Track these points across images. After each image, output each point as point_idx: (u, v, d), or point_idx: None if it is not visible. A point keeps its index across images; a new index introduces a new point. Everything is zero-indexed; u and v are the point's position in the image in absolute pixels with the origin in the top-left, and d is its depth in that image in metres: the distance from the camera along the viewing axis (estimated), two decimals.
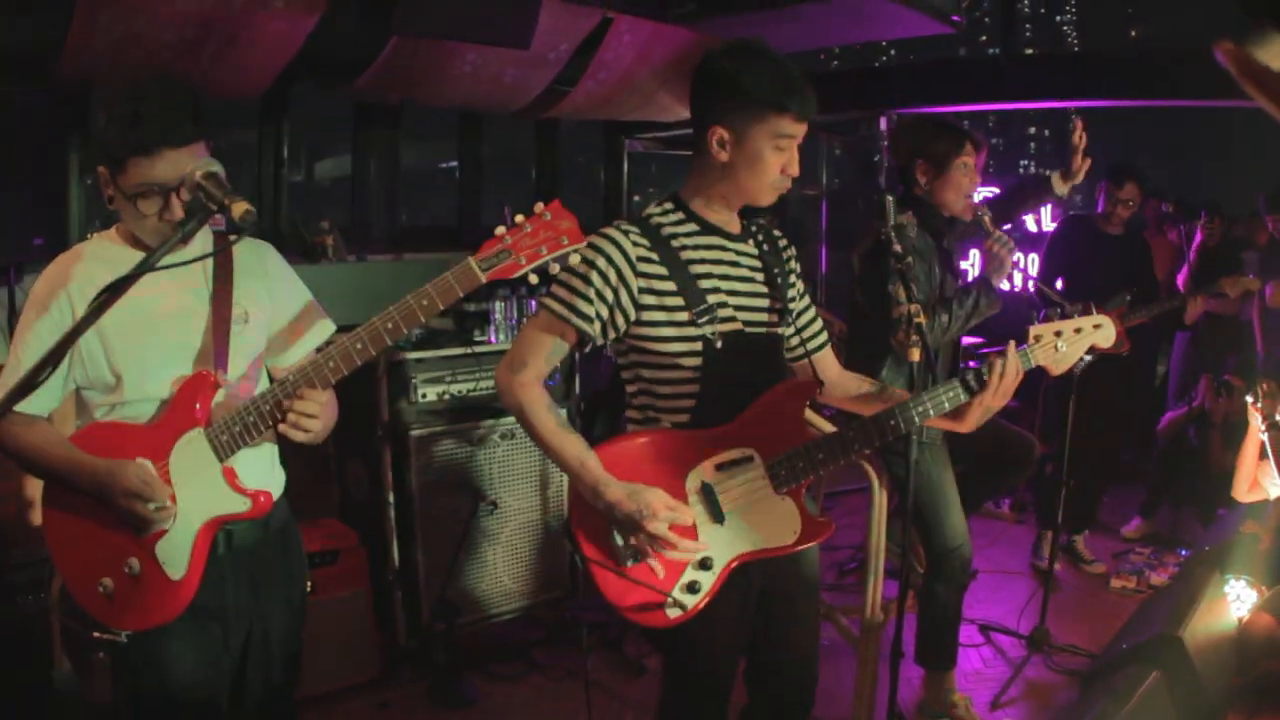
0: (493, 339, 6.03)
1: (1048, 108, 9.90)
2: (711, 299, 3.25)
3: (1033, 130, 72.54)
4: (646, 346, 3.27)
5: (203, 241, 3.26)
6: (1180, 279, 8.65)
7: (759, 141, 3.21)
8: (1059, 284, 7.18)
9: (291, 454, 3.25)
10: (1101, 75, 7.95)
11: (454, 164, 9.17)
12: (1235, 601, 5.40)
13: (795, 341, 3.57)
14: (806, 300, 3.67)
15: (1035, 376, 3.62)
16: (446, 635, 5.51)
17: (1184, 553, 7.50)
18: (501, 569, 5.94)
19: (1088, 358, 3.78)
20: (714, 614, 3.25)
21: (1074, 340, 3.57)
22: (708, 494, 3.23)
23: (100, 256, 3.15)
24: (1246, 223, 9.47)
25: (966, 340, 6.72)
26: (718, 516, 3.23)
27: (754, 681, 3.67)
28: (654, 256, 3.22)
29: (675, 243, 3.28)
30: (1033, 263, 9.75)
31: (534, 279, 2.95)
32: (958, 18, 6.62)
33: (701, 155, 3.32)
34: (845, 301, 5.32)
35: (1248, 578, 5.52)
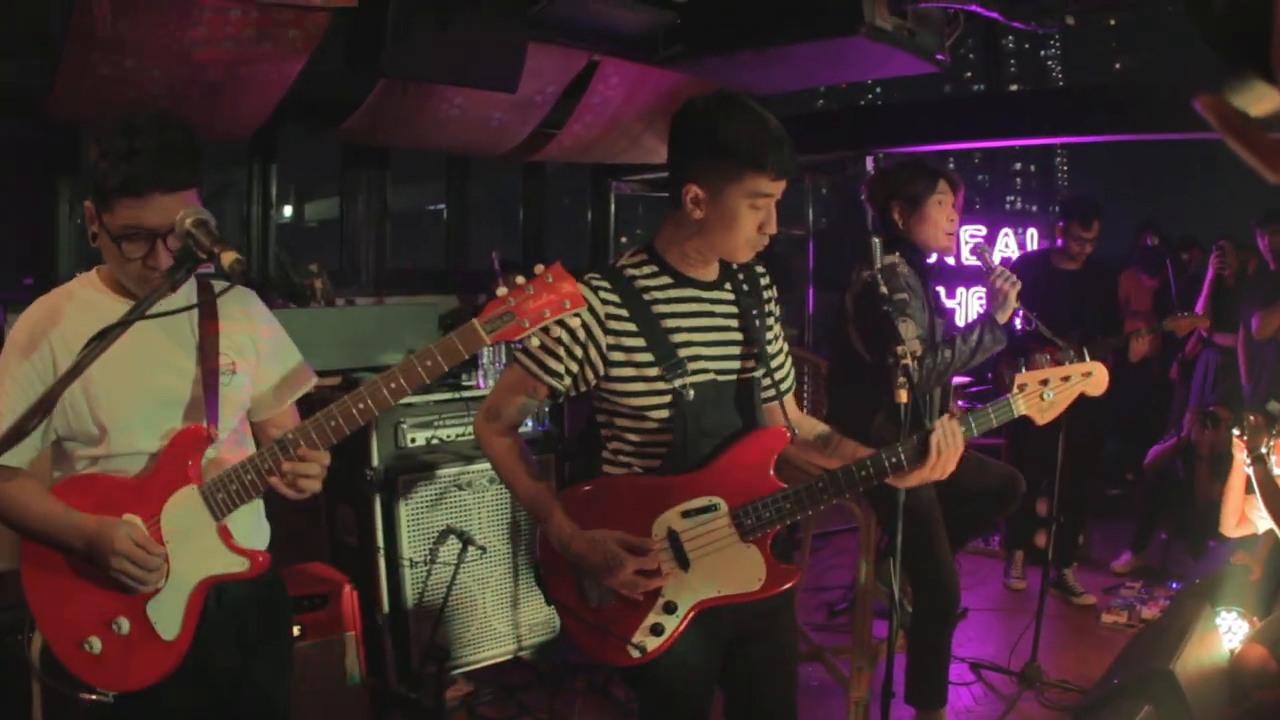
0: (481, 384, 6.03)
1: (1034, 144, 9.96)
2: (683, 352, 3.23)
3: (1018, 166, 72.75)
4: (617, 400, 3.27)
5: (188, 288, 3.13)
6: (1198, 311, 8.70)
7: (734, 200, 3.14)
8: (1016, 322, 7.22)
9: (281, 498, 3.20)
10: (1087, 110, 7.99)
11: (442, 206, 9.20)
12: (1227, 633, 5.40)
13: (767, 383, 3.50)
14: (780, 341, 3.61)
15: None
16: (436, 679, 5.49)
17: (1175, 586, 7.50)
18: (491, 612, 5.93)
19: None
20: (682, 656, 3.28)
21: (1062, 389, 3.56)
22: (674, 540, 3.23)
23: (82, 301, 3.07)
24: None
25: (956, 380, 6.74)
26: (683, 563, 3.24)
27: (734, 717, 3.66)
28: (623, 313, 3.21)
29: (647, 296, 3.26)
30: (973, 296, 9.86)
31: (535, 341, 3.00)
32: (942, 56, 6.65)
33: (676, 208, 3.26)
34: (832, 338, 5.33)
35: (1239, 609, 5.52)
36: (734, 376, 3.35)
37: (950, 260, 9.90)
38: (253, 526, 3.35)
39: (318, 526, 6.15)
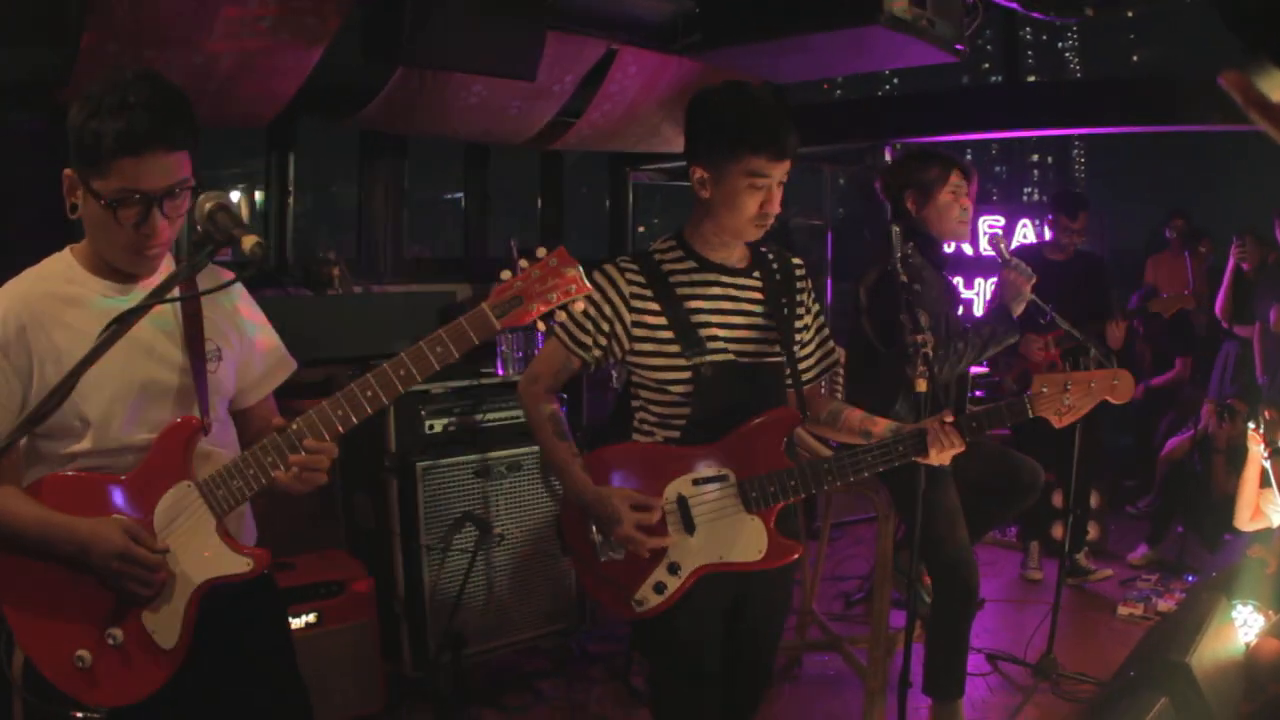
0: (499, 370, 6.05)
1: (1051, 135, 9.93)
2: (703, 332, 3.52)
3: (1036, 158, 72.57)
4: (642, 372, 3.58)
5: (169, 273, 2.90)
6: (1218, 305, 8.70)
7: (734, 180, 3.41)
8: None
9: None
10: (1104, 102, 7.97)
11: (460, 195, 9.19)
12: (1243, 627, 5.39)
13: (790, 371, 3.71)
14: (812, 333, 3.86)
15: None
16: (452, 666, 5.50)
17: (1190, 579, 7.50)
18: (508, 600, 5.94)
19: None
20: (688, 617, 3.54)
21: (1083, 394, 3.67)
22: (682, 505, 3.49)
23: (57, 282, 2.89)
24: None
25: (974, 370, 6.73)
26: (689, 527, 3.49)
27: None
28: (648, 293, 3.53)
29: (672, 279, 3.56)
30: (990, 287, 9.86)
31: (541, 325, 2.99)
32: (961, 46, 6.62)
33: (694, 194, 3.57)
34: (847, 331, 5.32)
35: (1255, 603, 5.51)
36: (753, 359, 3.60)
37: (969, 250, 9.93)
38: (243, 523, 3.19)
39: (334, 513, 6.17)
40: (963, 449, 3.59)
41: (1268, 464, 5.91)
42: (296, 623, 5.10)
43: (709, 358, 3.50)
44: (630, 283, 3.52)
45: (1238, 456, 6.86)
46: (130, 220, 2.74)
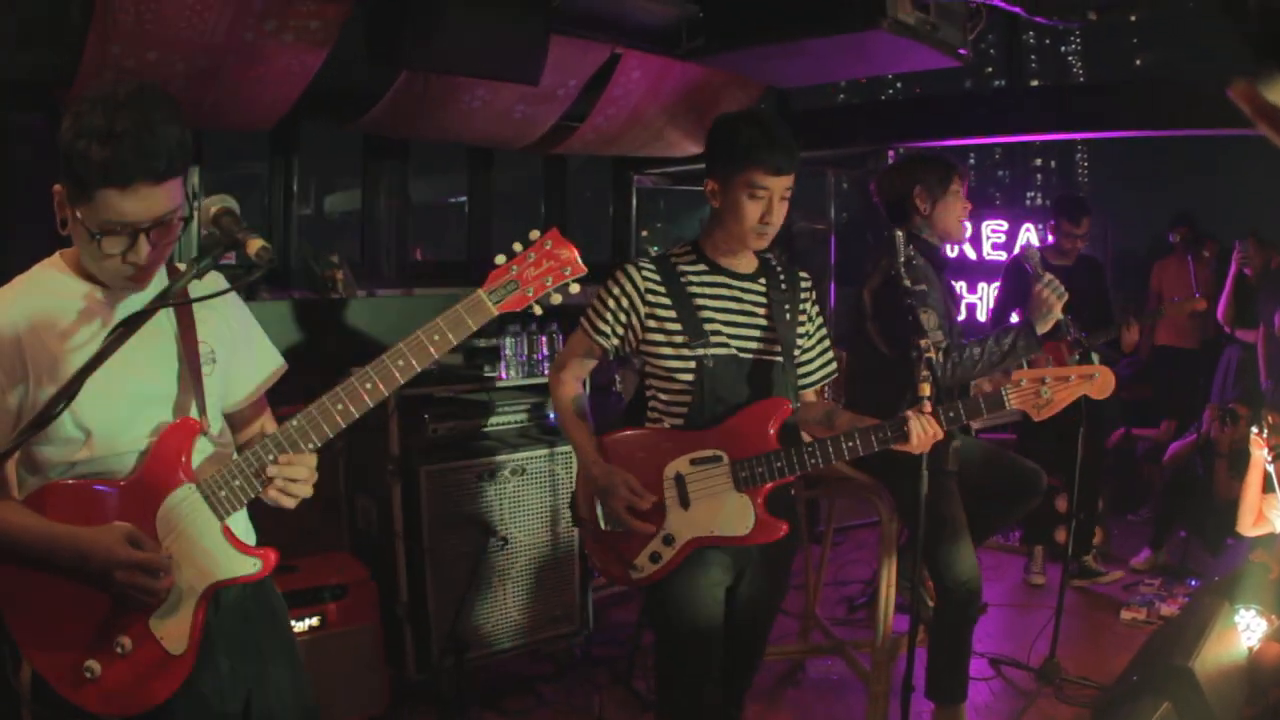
0: (503, 375, 6.05)
1: (1054, 140, 9.92)
2: (707, 326, 3.91)
3: (1039, 162, 72.54)
4: (652, 361, 3.98)
5: (160, 278, 2.90)
6: (1220, 310, 8.71)
7: (737, 191, 3.82)
8: (1013, 317, 7.29)
9: None
10: (1107, 106, 7.96)
11: (463, 199, 9.19)
12: (1245, 631, 5.39)
13: (788, 370, 4.08)
14: (814, 340, 4.23)
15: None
16: (455, 670, 5.51)
17: (1193, 583, 7.50)
18: (511, 604, 5.94)
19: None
20: (693, 590, 3.93)
21: (1060, 388, 3.86)
22: (679, 482, 3.88)
23: (48, 288, 2.80)
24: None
25: None
26: (685, 502, 3.87)
27: None
28: (661, 290, 3.94)
29: (684, 279, 3.97)
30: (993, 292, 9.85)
31: (538, 310, 2.99)
32: (964, 50, 6.61)
33: (708, 204, 4.00)
34: (851, 335, 5.33)
35: (1257, 607, 5.51)
36: (753, 356, 3.99)
37: (972, 254, 9.92)
38: (245, 524, 3.15)
39: (337, 516, 6.17)
40: (941, 436, 3.83)
41: (1271, 468, 5.91)
42: (300, 626, 5.11)
43: (712, 350, 3.89)
44: (646, 279, 3.93)
45: (1240, 461, 6.86)
46: (115, 249, 2.67)
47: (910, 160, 5.55)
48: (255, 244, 2.61)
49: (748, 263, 4.07)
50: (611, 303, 3.95)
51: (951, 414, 3.88)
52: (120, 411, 2.82)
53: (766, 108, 8.90)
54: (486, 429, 5.99)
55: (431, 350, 2.89)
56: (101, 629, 2.78)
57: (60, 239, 2.83)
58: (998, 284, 9.88)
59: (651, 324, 3.93)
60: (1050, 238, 7.84)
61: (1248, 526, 6.14)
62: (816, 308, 4.23)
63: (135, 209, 2.60)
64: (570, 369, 4.16)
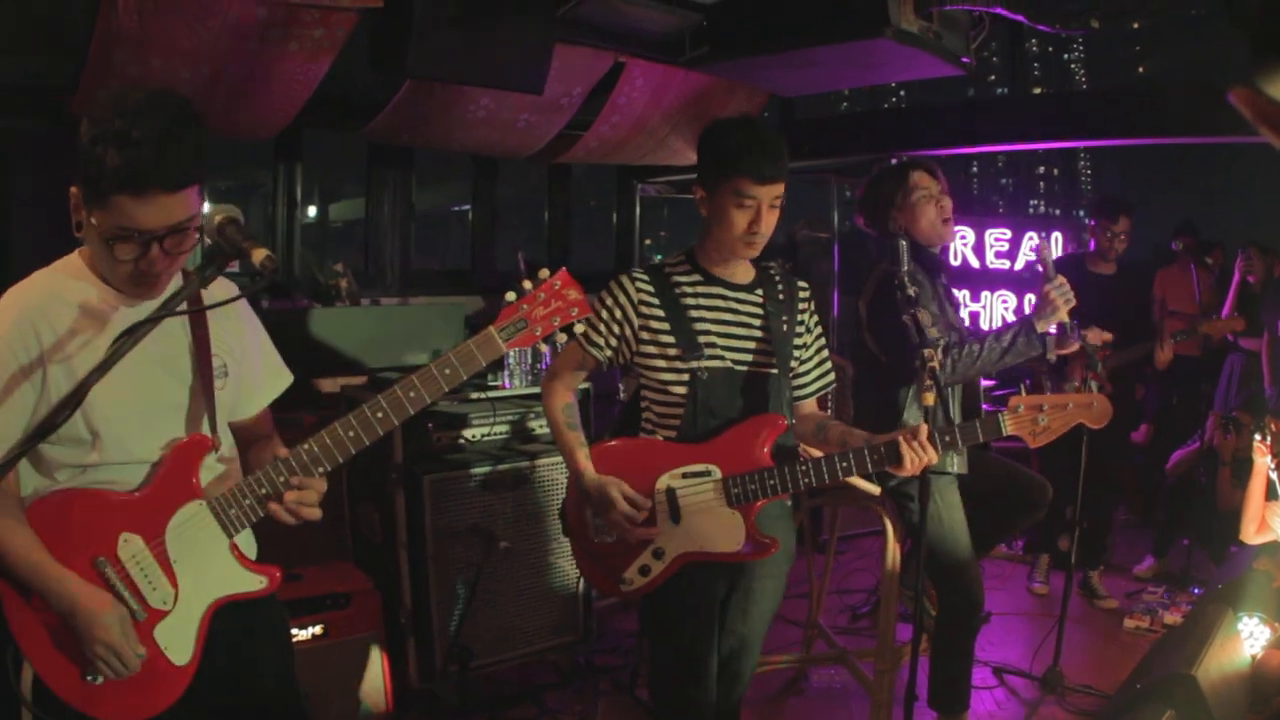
0: (506, 384, 6.05)
1: (1057, 148, 9.93)
2: (701, 339, 3.84)
3: (1042, 170, 72.56)
4: (646, 373, 3.93)
5: (176, 283, 2.93)
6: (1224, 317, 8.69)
7: (724, 199, 3.75)
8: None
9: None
10: (1110, 113, 7.96)
11: (467, 207, 9.20)
12: (1249, 639, 5.38)
13: (796, 382, 4.09)
14: (812, 351, 4.15)
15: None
16: (459, 678, 5.51)
17: (1197, 591, 7.49)
18: (514, 613, 5.93)
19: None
20: (687, 603, 3.92)
21: (1057, 416, 3.83)
22: (670, 496, 3.81)
23: (65, 289, 2.81)
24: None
25: (984, 383, 6.70)
26: (675, 517, 3.81)
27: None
28: (655, 301, 3.87)
29: (678, 290, 3.91)
30: (1028, 302, 9.79)
31: (544, 347, 3.05)
32: (967, 59, 6.63)
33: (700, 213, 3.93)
34: (852, 345, 5.33)
35: (1261, 615, 5.51)
36: (748, 368, 3.92)
37: (975, 263, 9.91)
38: (249, 538, 3.15)
39: (340, 525, 6.17)
40: (935, 460, 3.75)
41: (1275, 475, 5.89)
42: (303, 634, 5.10)
43: (706, 363, 3.82)
44: (640, 290, 3.87)
45: (1243, 469, 6.84)
46: (128, 256, 2.68)
47: (865, 186, 5.49)
48: (260, 253, 2.62)
49: (744, 272, 4.01)
50: (605, 314, 3.90)
51: (948, 438, 3.81)
52: (131, 418, 2.84)
53: (767, 116, 8.91)
54: (490, 437, 5.98)
55: (442, 384, 2.99)
56: None
57: (60, 241, 2.84)
58: (1006, 292, 9.94)
59: (645, 336, 3.87)
60: (1091, 243, 7.70)
61: (1250, 534, 6.12)
62: (815, 318, 4.15)
63: (150, 216, 2.60)
64: (562, 379, 4.07)
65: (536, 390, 6.09)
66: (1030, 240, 10.29)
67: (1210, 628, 5.03)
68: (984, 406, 5.50)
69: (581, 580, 6.09)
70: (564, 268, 3.15)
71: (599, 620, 6.41)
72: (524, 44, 6.06)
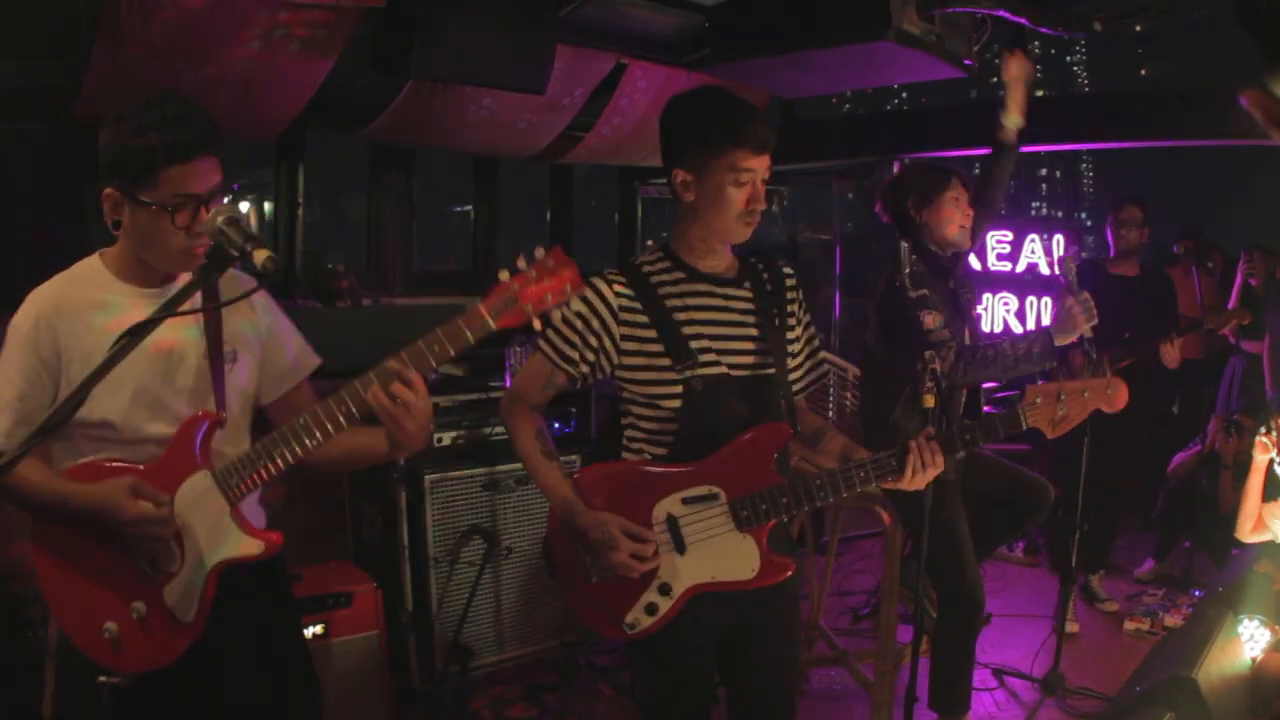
0: (508, 384, 6.05)
1: (1059, 150, 9.93)
2: (694, 345, 3.40)
3: (1044, 172, 72.56)
4: (631, 388, 3.48)
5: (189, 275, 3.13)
6: None
7: (718, 177, 3.33)
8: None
9: (306, 497, 3.24)
10: (1113, 116, 7.96)
11: (469, 207, 9.21)
12: (1249, 642, 5.38)
13: (782, 384, 3.61)
14: (801, 344, 3.74)
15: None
16: (459, 678, 5.51)
17: (1197, 594, 7.49)
18: (515, 613, 5.94)
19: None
20: (679, 639, 3.46)
21: (1075, 403, 3.58)
22: (672, 525, 3.38)
23: (86, 287, 3.09)
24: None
25: (986, 385, 6.70)
26: (680, 547, 3.39)
27: (735, 710, 3.75)
28: (637, 305, 3.42)
29: (661, 290, 3.45)
30: (1046, 306, 9.77)
31: (538, 324, 3.02)
32: (969, 61, 6.62)
33: (677, 202, 3.50)
34: (859, 346, 5.33)
35: (1261, 618, 5.50)
36: (747, 372, 3.48)
37: (976, 265, 9.91)
38: (255, 507, 3.37)
39: (341, 525, 6.18)
40: (941, 469, 3.46)
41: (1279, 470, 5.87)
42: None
43: (701, 371, 3.40)
44: (619, 295, 3.43)
45: (1244, 472, 6.84)
46: (184, 222, 2.93)
47: (904, 172, 5.52)
48: (261, 254, 2.70)
49: (729, 265, 3.58)
50: (580, 324, 3.42)
51: (968, 436, 3.49)
52: (142, 403, 3.08)
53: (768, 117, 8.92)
54: (491, 438, 5.98)
55: (430, 360, 2.99)
56: (122, 595, 3.05)
57: (59, 240, 2.97)
58: (1009, 295, 9.93)
59: (629, 346, 3.42)
60: (1111, 248, 7.66)
61: (1246, 532, 6.10)
62: (803, 305, 3.73)
63: (197, 179, 2.92)
64: (528, 399, 3.59)
65: None
66: (1031, 242, 10.27)
67: (1211, 630, 5.03)
68: (985, 409, 5.49)
69: None
70: (557, 244, 3.05)
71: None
72: (526, 45, 6.06)
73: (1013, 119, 5.35)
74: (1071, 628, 7.22)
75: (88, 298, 3.05)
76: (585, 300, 3.41)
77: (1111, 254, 7.61)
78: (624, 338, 3.42)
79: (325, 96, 6.23)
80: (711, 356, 3.43)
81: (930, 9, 6.08)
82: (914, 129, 9.19)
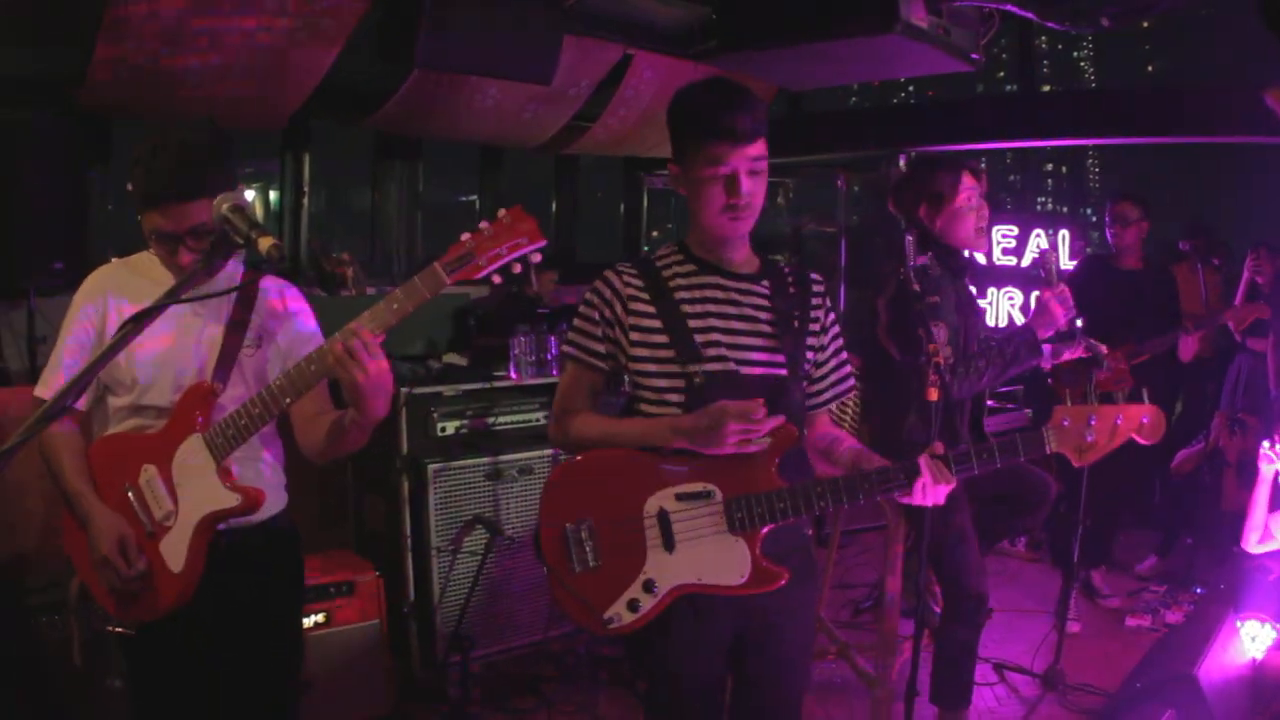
0: (512, 374, 6.05)
1: (1066, 145, 9.91)
2: (700, 339, 3.31)
3: (1050, 167, 72.33)
4: (640, 380, 3.38)
5: (233, 268, 3.53)
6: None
7: (699, 171, 3.23)
8: (1079, 323, 7.18)
9: (311, 485, 3.31)
10: (1119, 111, 7.95)
11: (474, 197, 9.20)
12: (1251, 640, 5.38)
13: (800, 392, 3.50)
14: (828, 353, 3.58)
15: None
16: (460, 668, 5.51)
17: (1199, 590, 7.48)
18: (516, 603, 5.95)
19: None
20: (681, 648, 3.36)
21: (1108, 429, 3.32)
22: (663, 521, 3.29)
23: (139, 269, 3.48)
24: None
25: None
26: (669, 544, 3.29)
27: None
28: (645, 296, 3.36)
29: (671, 283, 3.38)
30: (1034, 299, 9.76)
31: (498, 279, 3.05)
32: (976, 55, 6.61)
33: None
34: (863, 339, 5.30)
35: (1263, 616, 5.50)
36: (756, 370, 3.36)
37: (981, 259, 9.89)
38: (263, 479, 3.57)
39: (344, 514, 6.18)
40: (953, 484, 3.33)
41: None
42: (306, 623, 5.11)
43: (705, 366, 3.29)
44: (628, 284, 3.37)
45: (1248, 471, 6.83)
46: (164, 254, 3.38)
47: (915, 170, 5.46)
48: (266, 242, 2.72)
49: (745, 260, 3.46)
50: (596, 315, 3.39)
51: (985, 455, 3.33)
52: (164, 371, 3.40)
53: (774, 110, 8.90)
54: (494, 428, 5.98)
55: (391, 318, 3.09)
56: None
57: (67, 229, 3.07)
58: (1013, 289, 9.92)
59: (635, 337, 3.34)
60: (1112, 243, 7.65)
61: (1254, 544, 6.07)
62: (831, 315, 3.58)
63: (169, 223, 3.27)
64: (575, 409, 3.50)
65: (541, 381, 6.09)
66: (1037, 238, 10.26)
67: (1212, 628, 5.03)
68: (986, 405, 5.48)
69: None
70: (518, 205, 3.15)
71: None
72: (533, 35, 6.06)
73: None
74: (1073, 628, 7.21)
75: (139, 280, 3.41)
76: (597, 291, 3.40)
77: (1112, 244, 7.62)
78: (632, 328, 3.34)
79: (331, 85, 6.22)
80: (719, 352, 3.32)
81: (938, 3, 6.08)
82: (921, 122, 9.18)
